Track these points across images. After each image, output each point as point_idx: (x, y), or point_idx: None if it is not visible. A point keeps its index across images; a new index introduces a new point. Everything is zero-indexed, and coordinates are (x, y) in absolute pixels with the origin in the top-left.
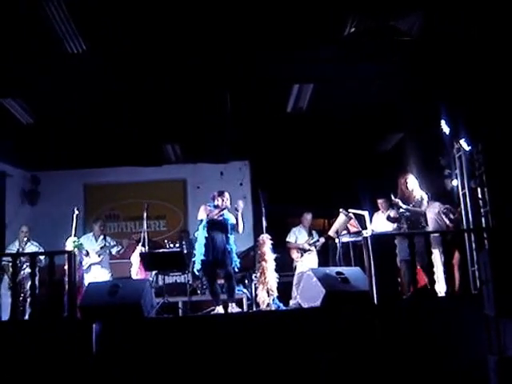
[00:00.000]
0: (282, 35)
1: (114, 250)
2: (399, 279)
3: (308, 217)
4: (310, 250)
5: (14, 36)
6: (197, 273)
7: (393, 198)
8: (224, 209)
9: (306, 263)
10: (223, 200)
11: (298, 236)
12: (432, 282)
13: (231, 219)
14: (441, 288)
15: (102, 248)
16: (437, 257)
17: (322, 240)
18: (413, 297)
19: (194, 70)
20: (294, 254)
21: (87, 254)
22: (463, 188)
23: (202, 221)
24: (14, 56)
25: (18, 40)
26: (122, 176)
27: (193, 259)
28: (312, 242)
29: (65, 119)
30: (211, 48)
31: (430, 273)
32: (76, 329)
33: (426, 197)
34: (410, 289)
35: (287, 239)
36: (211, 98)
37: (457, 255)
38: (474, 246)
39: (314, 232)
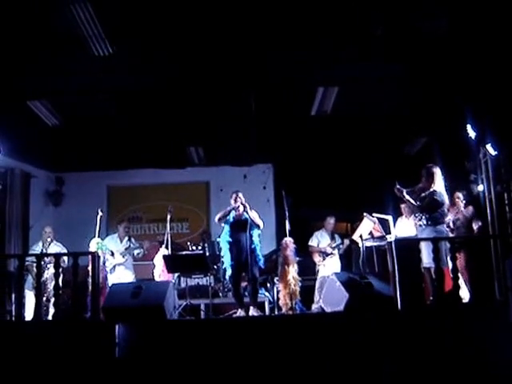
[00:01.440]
0: (306, 38)
1: (135, 252)
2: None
3: (331, 221)
4: (332, 253)
5: (40, 39)
6: (228, 277)
7: (397, 185)
8: (232, 209)
9: (329, 267)
10: (235, 200)
11: (320, 240)
12: (456, 287)
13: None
14: (464, 294)
15: (126, 249)
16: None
17: (347, 242)
18: (437, 303)
19: (218, 73)
20: (316, 258)
21: (112, 254)
22: (489, 193)
23: (223, 228)
24: (41, 58)
25: (45, 43)
26: (146, 178)
27: (223, 267)
28: (334, 245)
29: (90, 121)
30: (236, 50)
31: (454, 278)
32: (99, 330)
33: (439, 194)
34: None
35: (309, 243)
36: (235, 101)
37: (462, 260)
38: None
39: (336, 236)
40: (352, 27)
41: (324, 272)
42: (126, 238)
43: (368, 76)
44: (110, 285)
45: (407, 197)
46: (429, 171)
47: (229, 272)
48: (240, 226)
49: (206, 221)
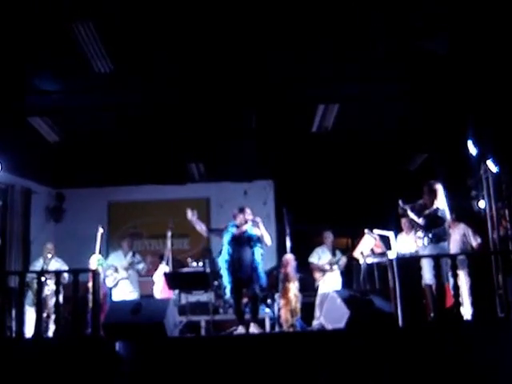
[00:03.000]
0: (308, 55)
1: (140, 267)
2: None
3: (328, 235)
4: (331, 270)
5: (43, 56)
6: (228, 294)
7: (401, 203)
8: (244, 232)
9: (328, 283)
10: (245, 216)
11: (321, 256)
12: (458, 304)
13: (256, 233)
14: (466, 311)
15: (130, 264)
16: (462, 279)
17: (344, 259)
18: (438, 320)
19: (219, 89)
20: (316, 274)
21: (116, 269)
22: (490, 209)
23: (222, 246)
24: (42, 75)
25: (47, 60)
26: (146, 194)
27: (223, 284)
28: (333, 261)
29: (90, 137)
30: (237, 67)
31: (456, 295)
32: (99, 346)
33: (442, 212)
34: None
35: (309, 259)
36: (236, 117)
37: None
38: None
39: (337, 252)
40: (353, 45)
41: (324, 288)
42: (130, 254)
43: (368, 94)
44: (114, 299)
45: (411, 215)
46: (431, 188)
47: (228, 291)
48: (241, 244)
49: (207, 237)
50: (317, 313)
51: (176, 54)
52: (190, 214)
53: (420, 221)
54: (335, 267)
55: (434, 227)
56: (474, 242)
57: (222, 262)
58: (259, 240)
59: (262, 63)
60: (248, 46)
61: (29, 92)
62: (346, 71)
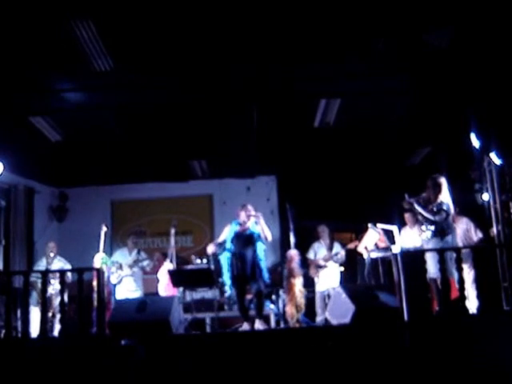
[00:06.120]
0: (309, 50)
1: (145, 263)
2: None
3: (323, 229)
4: (325, 266)
5: (43, 55)
6: (229, 291)
7: (406, 197)
8: (247, 229)
9: (325, 279)
10: (246, 213)
11: (317, 251)
12: (463, 298)
13: (257, 229)
14: (471, 304)
15: (134, 262)
16: (466, 272)
17: (343, 253)
18: (443, 313)
19: (220, 86)
20: (311, 270)
21: (120, 266)
22: (494, 202)
23: (225, 241)
24: (43, 74)
25: (48, 59)
26: (149, 192)
27: (223, 279)
28: (328, 256)
29: (93, 136)
30: (238, 63)
31: (461, 289)
32: (105, 345)
33: (447, 205)
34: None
35: (306, 255)
36: (238, 114)
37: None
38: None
39: (336, 244)
40: (354, 41)
41: (320, 285)
42: (135, 251)
43: (371, 89)
44: (117, 297)
45: (419, 209)
46: (435, 182)
47: (229, 290)
48: (244, 241)
49: (210, 234)
50: (318, 311)
51: (176, 53)
52: (211, 250)
53: (429, 215)
54: (330, 263)
55: (440, 221)
56: (475, 236)
57: (225, 259)
58: (260, 237)
59: (263, 59)
60: (248, 46)
61: (30, 91)
62: (346, 68)
